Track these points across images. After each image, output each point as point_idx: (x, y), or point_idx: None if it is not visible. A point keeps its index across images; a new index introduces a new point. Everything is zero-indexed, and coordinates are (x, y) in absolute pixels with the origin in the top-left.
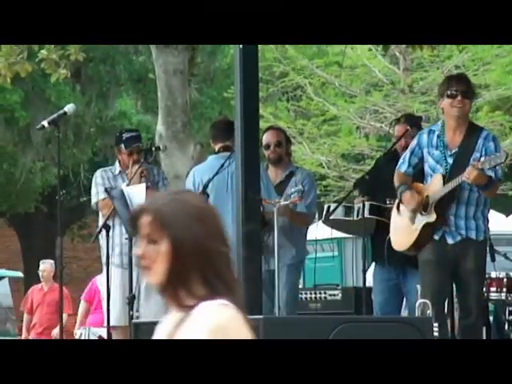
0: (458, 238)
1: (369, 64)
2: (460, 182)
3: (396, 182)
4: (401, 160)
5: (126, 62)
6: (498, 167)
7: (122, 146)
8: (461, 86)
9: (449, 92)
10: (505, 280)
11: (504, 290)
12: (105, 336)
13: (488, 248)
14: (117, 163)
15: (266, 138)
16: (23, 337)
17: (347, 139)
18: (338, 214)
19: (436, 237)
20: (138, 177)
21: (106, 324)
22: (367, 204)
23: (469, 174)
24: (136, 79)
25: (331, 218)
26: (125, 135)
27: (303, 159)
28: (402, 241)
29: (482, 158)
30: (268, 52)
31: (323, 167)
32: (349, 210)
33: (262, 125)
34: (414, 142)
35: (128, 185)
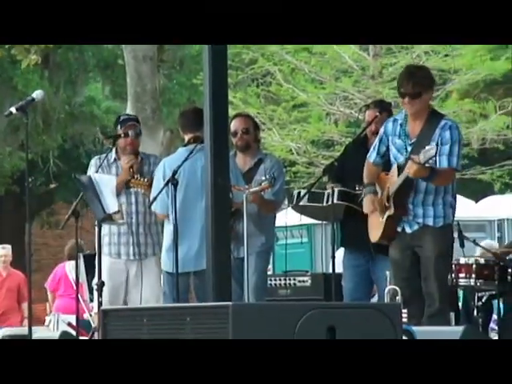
0: (416, 227)
1: (338, 50)
2: (405, 176)
3: (364, 174)
4: (371, 149)
5: (94, 48)
6: (453, 154)
7: (119, 127)
8: (408, 88)
9: (399, 91)
10: (474, 266)
11: (473, 275)
12: (74, 323)
13: (458, 234)
14: (113, 150)
15: (233, 125)
16: None
17: (317, 125)
18: (308, 200)
19: (399, 228)
20: (126, 171)
21: (77, 310)
22: (336, 190)
23: (409, 169)
24: (104, 66)
25: (300, 203)
26: (122, 117)
27: (273, 145)
28: (373, 233)
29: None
30: None
31: (293, 153)
32: (318, 196)
33: (232, 111)
34: (381, 131)
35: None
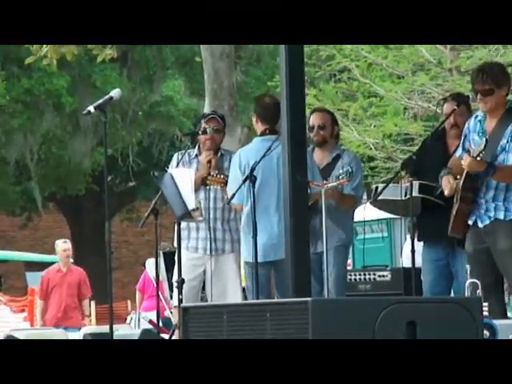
0: (487, 221)
1: (415, 44)
2: (465, 171)
3: (448, 166)
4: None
5: (172, 45)
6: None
7: (202, 121)
8: (479, 85)
9: (472, 88)
10: None
11: None
12: (155, 320)
13: None
14: (196, 147)
15: (311, 121)
16: (38, 325)
17: (394, 120)
18: (386, 195)
19: (470, 222)
20: (205, 166)
21: (157, 308)
22: (415, 183)
23: (464, 163)
24: (182, 63)
25: (379, 198)
26: (207, 114)
27: (350, 141)
28: (450, 225)
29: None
30: None
31: (371, 149)
32: (396, 191)
33: (308, 108)
34: (465, 127)
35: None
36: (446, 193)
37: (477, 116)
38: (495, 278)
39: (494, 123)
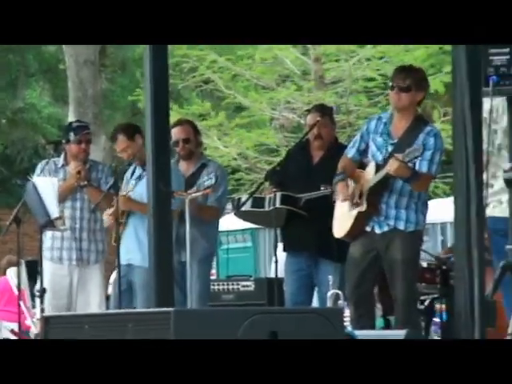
0: (386, 228)
1: (280, 55)
2: (384, 173)
3: (339, 166)
4: (350, 144)
5: (35, 51)
6: (434, 161)
7: (72, 134)
8: (399, 80)
9: (390, 83)
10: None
11: None
12: (17, 330)
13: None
14: (62, 156)
15: (174, 135)
16: None
17: (259, 131)
18: (250, 206)
19: (368, 228)
20: (73, 177)
21: (19, 317)
22: (278, 194)
23: (390, 166)
24: (46, 69)
25: (243, 209)
26: (74, 124)
27: (215, 152)
28: (339, 228)
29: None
30: (177, 49)
31: (235, 159)
32: (260, 202)
33: (173, 118)
34: (363, 128)
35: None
36: (341, 199)
37: (380, 117)
38: (371, 286)
39: (403, 128)
